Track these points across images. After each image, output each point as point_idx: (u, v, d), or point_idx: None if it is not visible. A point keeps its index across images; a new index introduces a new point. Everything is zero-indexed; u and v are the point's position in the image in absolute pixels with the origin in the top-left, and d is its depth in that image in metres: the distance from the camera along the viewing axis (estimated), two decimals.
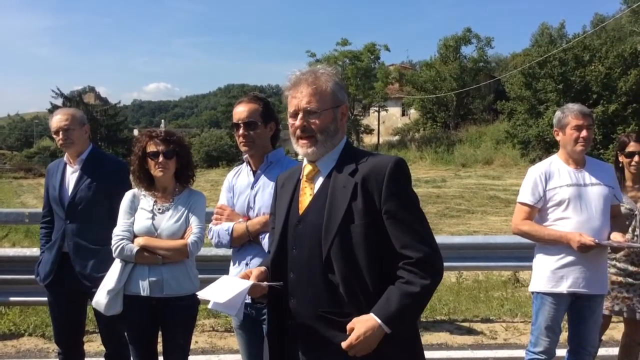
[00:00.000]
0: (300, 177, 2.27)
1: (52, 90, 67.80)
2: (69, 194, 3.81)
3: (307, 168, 2.24)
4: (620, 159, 4.16)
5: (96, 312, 3.82)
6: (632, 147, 4.09)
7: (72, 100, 55.27)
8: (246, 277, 2.20)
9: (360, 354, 2.02)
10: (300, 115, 2.16)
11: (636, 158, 4.06)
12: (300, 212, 2.20)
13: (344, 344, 2.01)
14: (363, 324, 2.00)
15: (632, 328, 4.31)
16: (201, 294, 2.15)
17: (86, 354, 4.55)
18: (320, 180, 2.20)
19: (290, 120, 2.20)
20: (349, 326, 2.02)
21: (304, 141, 2.17)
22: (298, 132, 2.17)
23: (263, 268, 2.27)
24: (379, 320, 2.00)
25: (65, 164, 3.92)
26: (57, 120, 3.83)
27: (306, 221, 2.16)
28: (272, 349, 2.24)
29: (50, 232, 3.94)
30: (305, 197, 2.21)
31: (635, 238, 4.01)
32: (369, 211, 2.06)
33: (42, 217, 4.06)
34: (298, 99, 2.16)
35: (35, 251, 4.97)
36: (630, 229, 4.01)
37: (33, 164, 46.24)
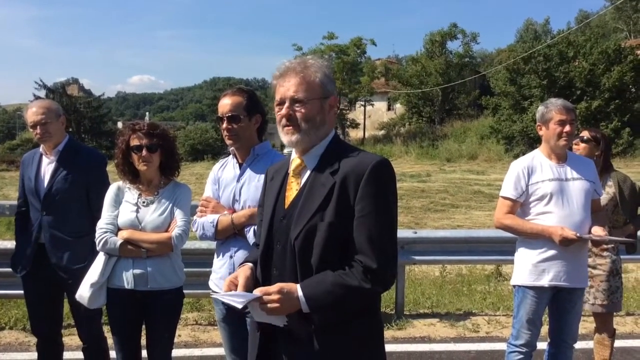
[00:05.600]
0: (288, 172, 2.25)
1: (35, 82, 67.21)
2: (45, 185, 3.76)
3: (295, 162, 2.22)
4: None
5: (72, 307, 3.80)
6: (582, 133, 4.41)
7: (55, 92, 54.70)
8: (233, 283, 2.16)
9: (267, 311, 1.98)
10: (286, 104, 2.12)
11: (576, 140, 4.36)
12: (286, 206, 2.18)
13: (258, 290, 1.99)
14: (286, 291, 1.98)
15: (600, 322, 4.42)
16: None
17: (68, 348, 4.52)
18: (306, 176, 2.17)
19: (276, 109, 2.17)
20: (276, 285, 1.99)
21: (288, 128, 2.14)
22: (283, 120, 2.14)
23: (248, 268, 2.23)
24: (301, 293, 1.98)
25: (41, 154, 3.86)
26: (32, 113, 3.74)
27: (290, 216, 2.13)
28: (259, 347, 2.20)
29: (25, 223, 3.87)
30: (292, 192, 2.19)
31: None
32: (340, 211, 2.03)
33: (17, 207, 3.99)
34: (285, 87, 2.13)
35: None
36: None
37: (15, 156, 45.63)
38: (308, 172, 2.17)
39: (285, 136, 2.15)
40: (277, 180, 2.28)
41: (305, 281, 2.01)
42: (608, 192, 4.30)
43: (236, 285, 2.15)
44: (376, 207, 2.02)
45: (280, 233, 2.15)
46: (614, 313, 4.47)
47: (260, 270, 2.22)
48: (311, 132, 2.13)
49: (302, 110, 2.11)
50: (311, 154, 2.17)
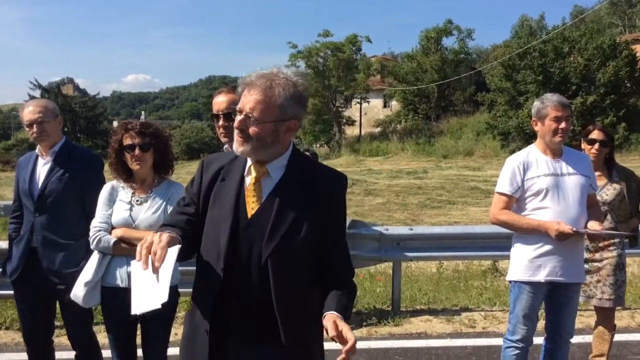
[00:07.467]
0: (245, 175, 2.20)
1: (29, 81, 66.90)
2: (39, 186, 3.68)
3: (256, 168, 2.18)
4: (583, 145, 4.33)
5: (63, 310, 3.75)
6: (594, 134, 4.29)
7: (51, 91, 54.47)
8: (149, 251, 2.01)
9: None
10: (241, 116, 2.11)
11: (596, 146, 4.25)
12: (249, 215, 2.15)
13: (348, 346, 1.98)
14: (341, 321, 2.05)
15: (603, 316, 4.40)
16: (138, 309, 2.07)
17: (64, 347, 4.50)
18: (270, 185, 2.16)
19: (237, 113, 2.16)
20: (342, 327, 2.01)
21: (239, 137, 2.13)
22: (236, 129, 2.15)
23: (172, 237, 2.07)
24: (340, 315, 2.08)
25: (37, 156, 3.78)
26: (29, 112, 3.66)
27: (255, 225, 2.12)
28: (211, 344, 2.16)
29: (19, 226, 3.79)
30: (252, 199, 2.16)
31: None
32: (313, 227, 2.11)
33: (11, 212, 3.92)
34: (246, 99, 2.11)
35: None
36: None
37: (11, 156, 45.54)
38: (272, 182, 2.16)
39: (235, 143, 2.16)
40: (232, 182, 2.21)
41: (329, 306, 2.10)
42: (615, 187, 4.28)
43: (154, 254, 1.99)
44: (342, 222, 2.27)
45: (244, 242, 2.12)
46: (617, 307, 4.46)
47: (206, 271, 2.18)
48: (259, 150, 2.12)
49: (254, 129, 2.09)
50: (275, 164, 2.17)
